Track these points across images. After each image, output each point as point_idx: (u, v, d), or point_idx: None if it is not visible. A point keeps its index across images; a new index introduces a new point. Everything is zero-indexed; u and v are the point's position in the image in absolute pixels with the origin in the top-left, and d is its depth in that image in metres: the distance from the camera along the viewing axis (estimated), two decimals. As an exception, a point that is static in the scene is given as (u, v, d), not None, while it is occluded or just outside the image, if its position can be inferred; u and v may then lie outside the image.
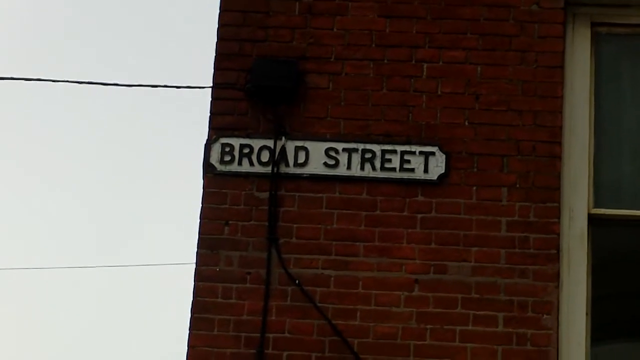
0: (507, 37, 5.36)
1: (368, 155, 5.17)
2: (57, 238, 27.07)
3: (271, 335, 4.98)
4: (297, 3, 5.42)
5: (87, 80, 5.54)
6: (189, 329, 5.04)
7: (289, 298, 5.04)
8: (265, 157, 5.19)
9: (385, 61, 5.33)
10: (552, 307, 4.99)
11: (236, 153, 5.20)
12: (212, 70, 5.35)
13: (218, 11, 5.43)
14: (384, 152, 5.16)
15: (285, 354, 4.97)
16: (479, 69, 5.31)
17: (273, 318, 5.00)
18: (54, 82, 5.56)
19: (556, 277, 5.03)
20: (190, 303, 5.05)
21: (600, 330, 5.19)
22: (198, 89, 5.43)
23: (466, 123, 5.24)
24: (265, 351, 4.95)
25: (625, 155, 5.42)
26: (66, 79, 5.49)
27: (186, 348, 5.02)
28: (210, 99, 5.31)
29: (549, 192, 5.14)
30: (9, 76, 5.74)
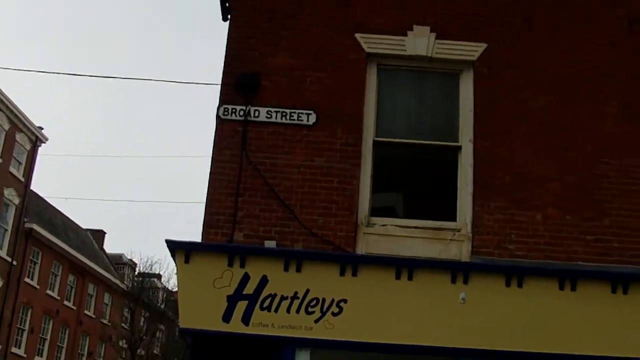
0: (345, 70, 12.31)
1: (284, 114, 12.05)
2: None
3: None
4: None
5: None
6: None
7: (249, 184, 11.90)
8: (241, 113, 12.07)
9: (295, 73, 12.26)
10: (356, 178, 11.76)
11: (229, 110, 12.07)
12: (221, 76, 12.31)
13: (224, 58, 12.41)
14: (291, 112, 12.06)
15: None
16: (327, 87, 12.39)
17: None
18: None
19: (350, 169, 11.79)
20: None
21: (377, 189, 11.96)
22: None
23: (326, 102, 12.15)
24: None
25: (388, 121, 12.33)
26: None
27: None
28: (220, 89, 12.19)
29: (357, 130, 11.99)
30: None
